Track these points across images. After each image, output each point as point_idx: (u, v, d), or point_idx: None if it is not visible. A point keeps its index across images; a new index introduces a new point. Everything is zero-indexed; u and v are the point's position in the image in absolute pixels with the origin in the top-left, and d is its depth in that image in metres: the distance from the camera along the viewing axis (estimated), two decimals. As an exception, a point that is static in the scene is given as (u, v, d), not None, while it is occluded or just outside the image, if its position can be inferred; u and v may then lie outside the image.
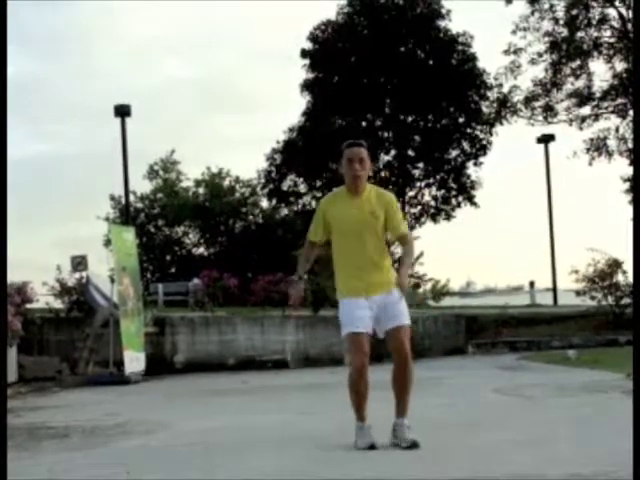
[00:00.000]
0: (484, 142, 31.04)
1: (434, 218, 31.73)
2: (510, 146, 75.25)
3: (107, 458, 5.68)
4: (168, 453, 5.81)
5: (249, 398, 9.71)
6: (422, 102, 30.17)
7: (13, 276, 11.56)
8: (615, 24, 25.01)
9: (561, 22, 25.45)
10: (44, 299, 13.89)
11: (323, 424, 6.84)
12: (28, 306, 12.70)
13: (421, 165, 31.72)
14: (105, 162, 61.44)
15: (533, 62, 25.87)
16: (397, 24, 30.34)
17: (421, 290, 23.05)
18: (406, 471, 4.75)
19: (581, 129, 26.07)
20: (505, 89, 26.78)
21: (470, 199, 31.45)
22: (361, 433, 5.46)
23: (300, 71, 31.63)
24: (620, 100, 25.31)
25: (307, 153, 30.21)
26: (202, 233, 38.26)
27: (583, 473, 4.49)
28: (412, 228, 30.14)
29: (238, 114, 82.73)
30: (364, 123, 30.92)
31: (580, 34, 25.31)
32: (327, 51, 30.66)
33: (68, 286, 13.90)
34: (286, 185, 32.59)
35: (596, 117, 25.95)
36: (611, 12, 25.00)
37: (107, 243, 28.68)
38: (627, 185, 25.02)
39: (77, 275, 13.70)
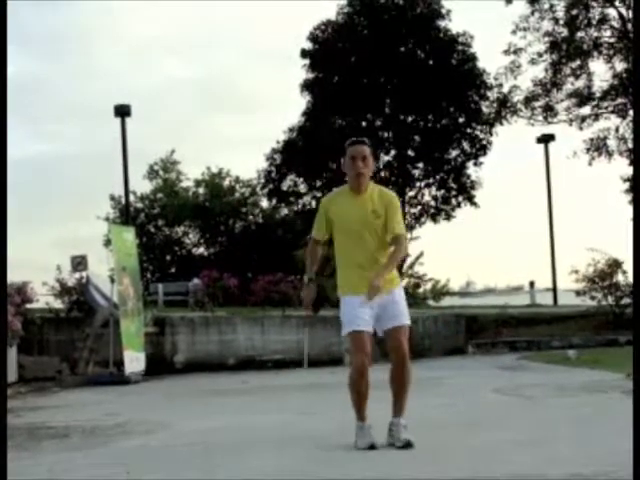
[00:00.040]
0: (484, 142, 30.98)
1: (434, 218, 31.68)
2: (510, 146, 75.45)
3: (107, 458, 5.68)
4: (168, 453, 5.81)
5: (249, 398, 9.72)
6: (422, 102, 30.12)
7: (13, 276, 11.58)
8: (615, 24, 24.99)
9: (561, 22, 25.41)
10: (44, 299, 13.92)
11: (323, 424, 6.84)
12: (28, 306, 12.71)
13: (421, 165, 31.66)
14: (105, 162, 61.51)
15: (533, 62, 25.84)
16: (397, 24, 30.29)
17: (421, 290, 23.14)
18: (406, 471, 4.75)
19: (581, 129, 26.06)
20: (505, 89, 26.78)
21: (470, 199, 31.39)
22: (361, 433, 5.45)
23: (300, 71, 31.61)
24: (620, 100, 25.29)
25: (307, 153, 30.16)
26: (202, 233, 38.20)
27: (583, 473, 4.49)
28: (412, 228, 30.14)
29: (238, 114, 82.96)
30: (364, 123, 30.86)
31: (580, 34, 25.28)
32: (327, 51, 30.61)
33: (68, 286, 13.91)
34: (286, 185, 32.53)
35: (596, 117, 25.93)
36: (611, 12, 25.01)
37: (107, 243, 28.65)
38: (627, 185, 24.98)
39: (77, 275, 13.72)
